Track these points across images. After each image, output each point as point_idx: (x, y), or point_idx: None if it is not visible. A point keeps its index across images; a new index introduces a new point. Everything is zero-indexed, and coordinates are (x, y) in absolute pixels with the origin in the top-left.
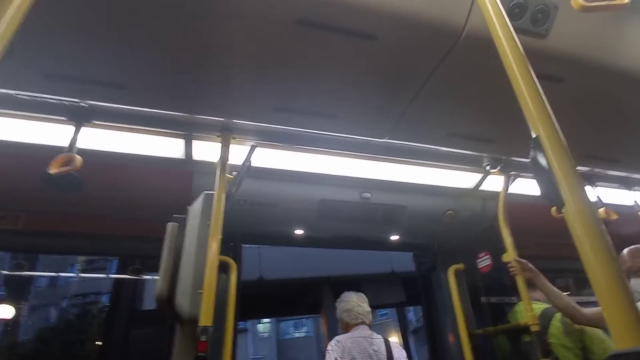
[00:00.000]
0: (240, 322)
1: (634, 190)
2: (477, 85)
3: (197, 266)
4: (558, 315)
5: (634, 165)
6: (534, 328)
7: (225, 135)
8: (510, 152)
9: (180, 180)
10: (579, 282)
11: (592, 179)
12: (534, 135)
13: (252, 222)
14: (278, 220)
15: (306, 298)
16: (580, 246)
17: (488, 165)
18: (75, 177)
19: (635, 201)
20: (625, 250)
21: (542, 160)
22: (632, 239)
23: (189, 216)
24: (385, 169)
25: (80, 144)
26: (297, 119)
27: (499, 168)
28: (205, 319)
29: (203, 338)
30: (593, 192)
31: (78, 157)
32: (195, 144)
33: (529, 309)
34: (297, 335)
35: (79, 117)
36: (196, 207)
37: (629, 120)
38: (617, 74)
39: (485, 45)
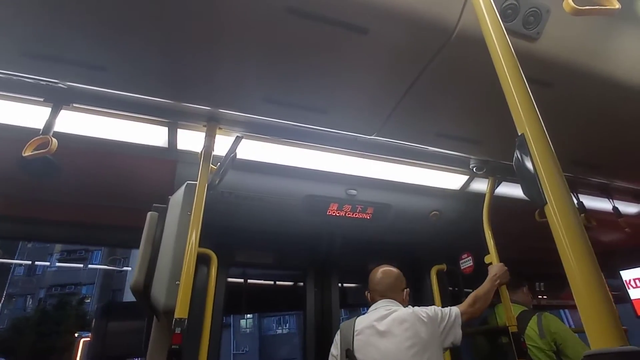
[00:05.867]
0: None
1: (615, 199)
2: (467, 85)
3: (175, 257)
4: (535, 318)
5: (615, 172)
6: (513, 329)
7: (211, 124)
8: (496, 154)
9: (163, 169)
10: (558, 286)
11: (575, 186)
12: (519, 133)
13: (235, 214)
14: (262, 213)
15: (289, 294)
16: (560, 245)
17: (474, 166)
18: (51, 162)
19: (614, 207)
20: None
21: (526, 158)
22: (611, 245)
23: (170, 206)
24: (373, 166)
25: (59, 127)
26: (285, 111)
27: (485, 170)
28: (181, 311)
29: (177, 330)
30: (574, 199)
31: (54, 140)
32: (181, 132)
33: (508, 310)
34: (279, 332)
35: (57, 99)
36: (178, 197)
37: (615, 127)
38: (606, 81)
39: (476, 44)
